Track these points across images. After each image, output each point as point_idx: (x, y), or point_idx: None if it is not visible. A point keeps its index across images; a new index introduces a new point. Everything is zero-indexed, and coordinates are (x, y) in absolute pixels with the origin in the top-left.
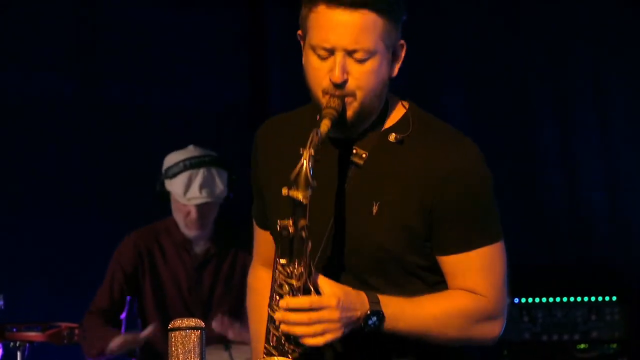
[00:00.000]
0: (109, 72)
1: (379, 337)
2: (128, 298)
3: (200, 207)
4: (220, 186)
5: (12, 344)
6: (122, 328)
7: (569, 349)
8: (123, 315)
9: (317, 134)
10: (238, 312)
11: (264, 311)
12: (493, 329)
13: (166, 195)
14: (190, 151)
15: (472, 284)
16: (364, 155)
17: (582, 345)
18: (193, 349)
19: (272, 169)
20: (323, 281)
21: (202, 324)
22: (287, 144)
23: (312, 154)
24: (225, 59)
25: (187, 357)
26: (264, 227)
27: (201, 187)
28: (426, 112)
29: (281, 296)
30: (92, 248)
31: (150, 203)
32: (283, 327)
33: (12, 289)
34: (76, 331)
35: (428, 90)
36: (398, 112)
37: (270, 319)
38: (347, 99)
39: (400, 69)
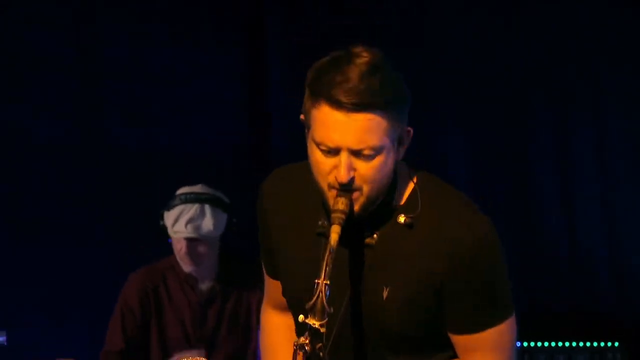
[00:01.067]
0: (110, 113)
1: None
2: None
3: (189, 242)
4: (210, 225)
5: None
6: None
7: None
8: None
9: (330, 252)
10: (242, 352)
11: (277, 352)
12: None
13: (165, 229)
14: (194, 188)
15: (482, 359)
16: (375, 236)
17: None
18: None
19: (281, 222)
20: None
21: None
22: (295, 195)
23: (328, 283)
24: (225, 98)
25: None
26: (272, 276)
27: (188, 221)
28: (435, 181)
29: None
30: (96, 285)
31: (155, 242)
32: None
33: (15, 326)
34: None
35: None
36: (407, 187)
37: None
38: (354, 195)
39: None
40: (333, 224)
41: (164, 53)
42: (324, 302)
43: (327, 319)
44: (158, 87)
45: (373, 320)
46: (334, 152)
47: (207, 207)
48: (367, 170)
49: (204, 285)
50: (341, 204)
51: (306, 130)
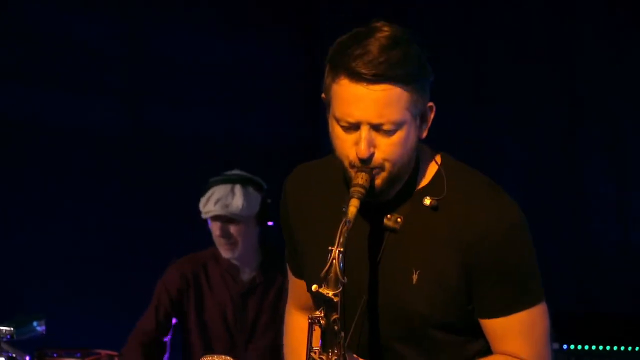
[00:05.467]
0: (163, 102)
1: None
2: (173, 321)
3: (222, 224)
4: (239, 203)
5: None
6: (167, 352)
7: None
8: (167, 338)
9: (345, 223)
10: (281, 343)
11: (300, 354)
12: None
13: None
14: (227, 172)
15: (513, 347)
16: (399, 220)
17: None
18: None
19: (305, 222)
20: None
21: None
22: (319, 195)
23: (342, 250)
24: (282, 95)
25: None
26: (297, 275)
27: (217, 201)
28: (459, 165)
29: None
30: (138, 276)
31: (198, 231)
32: None
33: (54, 314)
34: (115, 359)
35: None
36: (431, 170)
37: None
38: (375, 171)
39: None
40: (352, 197)
41: (218, 46)
42: (338, 270)
43: (340, 288)
44: (211, 80)
45: (401, 304)
46: (354, 127)
47: (237, 187)
48: (387, 146)
49: (245, 275)
50: (361, 178)
51: (327, 109)
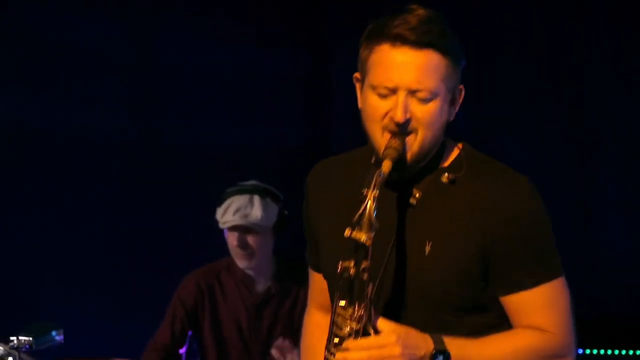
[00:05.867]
0: (169, 111)
1: None
2: (189, 333)
3: (240, 234)
4: (258, 213)
5: None
6: None
7: None
8: (183, 350)
9: (379, 174)
10: (297, 354)
11: (316, 353)
12: None
13: (219, 227)
14: (245, 182)
15: (538, 321)
16: (417, 195)
17: None
18: None
19: (325, 213)
20: (383, 322)
21: None
22: (339, 187)
23: (376, 195)
24: (286, 98)
25: None
26: (317, 269)
27: (236, 211)
28: (480, 153)
29: (340, 338)
30: (154, 285)
31: (213, 242)
32: None
33: (72, 324)
34: None
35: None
36: (452, 153)
37: None
38: (408, 139)
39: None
40: (384, 159)
41: (224, 52)
42: (372, 214)
43: (373, 233)
44: (217, 86)
45: (414, 274)
46: (391, 92)
47: (255, 197)
48: (422, 114)
49: (260, 286)
50: (394, 142)
51: (358, 86)
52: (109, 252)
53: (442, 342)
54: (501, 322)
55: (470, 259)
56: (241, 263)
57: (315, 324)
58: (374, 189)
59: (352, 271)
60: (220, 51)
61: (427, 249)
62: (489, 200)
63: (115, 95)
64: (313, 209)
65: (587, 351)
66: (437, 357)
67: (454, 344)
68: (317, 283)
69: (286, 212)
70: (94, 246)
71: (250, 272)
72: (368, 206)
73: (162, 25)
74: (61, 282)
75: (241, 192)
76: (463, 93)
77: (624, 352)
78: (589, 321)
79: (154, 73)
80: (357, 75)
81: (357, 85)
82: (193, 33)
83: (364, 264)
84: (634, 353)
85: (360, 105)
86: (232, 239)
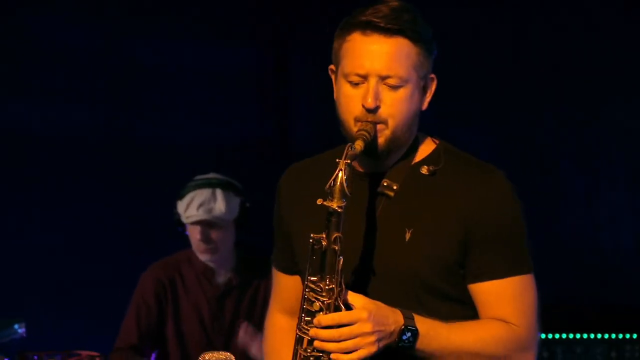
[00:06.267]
0: (134, 107)
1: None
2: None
3: (203, 228)
4: (222, 207)
5: None
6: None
7: None
8: (154, 356)
9: (351, 147)
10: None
11: (280, 354)
12: None
13: (181, 221)
14: (205, 175)
15: (504, 313)
16: (394, 187)
17: None
18: None
19: (299, 213)
20: (354, 297)
21: (233, 357)
22: (312, 188)
23: (349, 162)
24: (246, 94)
25: None
26: (286, 271)
27: (200, 205)
28: (456, 148)
29: (311, 314)
30: (115, 279)
31: (173, 236)
32: (316, 344)
33: (33, 317)
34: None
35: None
36: (428, 147)
37: (298, 340)
38: (379, 126)
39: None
40: (357, 140)
41: (185, 49)
42: (344, 182)
43: (345, 203)
44: (176, 83)
45: (393, 262)
46: (362, 80)
47: (218, 191)
48: (393, 102)
49: (221, 278)
50: (366, 125)
51: (333, 79)
52: (71, 245)
53: (412, 319)
54: (475, 315)
55: (450, 247)
56: (203, 257)
57: (279, 327)
58: (345, 158)
59: (323, 242)
60: (181, 48)
61: (407, 236)
62: (468, 192)
63: (78, 92)
64: (286, 210)
65: (550, 336)
66: (405, 333)
67: (423, 323)
68: (282, 285)
69: (248, 205)
70: (57, 240)
71: (211, 264)
72: (339, 175)
73: (125, 23)
74: (23, 276)
75: (203, 185)
76: (435, 82)
77: (578, 336)
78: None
79: (117, 70)
80: (332, 67)
81: (333, 78)
82: (154, 31)
83: (335, 234)
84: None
85: (335, 96)
86: (195, 233)
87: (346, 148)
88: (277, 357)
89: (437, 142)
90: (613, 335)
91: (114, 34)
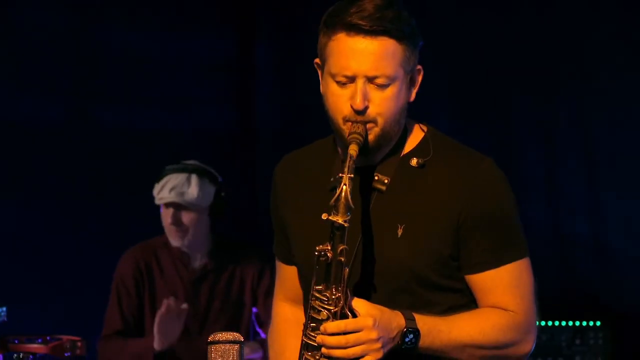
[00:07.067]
0: (98, 96)
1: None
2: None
3: (174, 211)
4: (194, 192)
5: (15, 355)
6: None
7: None
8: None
9: (350, 158)
10: (235, 329)
11: (285, 345)
12: (526, 345)
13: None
14: (185, 161)
15: (502, 300)
16: (385, 181)
17: None
18: None
19: (294, 203)
20: (359, 303)
21: (242, 338)
22: (306, 177)
23: (352, 176)
24: (214, 83)
25: None
26: (287, 261)
27: (172, 188)
28: (444, 135)
29: (317, 322)
30: (93, 263)
31: (149, 220)
32: (324, 351)
33: (14, 302)
34: (78, 344)
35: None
36: (417, 136)
37: (305, 346)
38: (369, 125)
39: None
40: (350, 143)
41: (153, 38)
42: (348, 196)
43: (349, 216)
44: (146, 72)
45: (386, 258)
46: (350, 80)
47: (193, 177)
48: (381, 100)
49: (197, 262)
50: (357, 127)
51: (320, 72)
52: (51, 230)
53: (413, 320)
54: (471, 302)
55: (443, 240)
56: (174, 241)
57: (283, 317)
58: (348, 172)
59: (329, 254)
60: (147, 36)
61: (400, 231)
62: (458, 182)
63: (46, 82)
64: (281, 200)
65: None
66: (407, 335)
67: (424, 322)
68: (285, 274)
69: (223, 194)
70: (37, 224)
71: (186, 249)
72: (344, 189)
73: (92, 12)
74: (3, 260)
75: (180, 170)
76: (422, 73)
77: (542, 323)
78: None
79: (84, 59)
80: (317, 61)
81: (319, 72)
82: (121, 19)
83: (341, 247)
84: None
85: (322, 90)
86: (166, 215)
87: (347, 161)
88: (281, 347)
89: (425, 129)
90: (577, 323)
91: (82, 22)
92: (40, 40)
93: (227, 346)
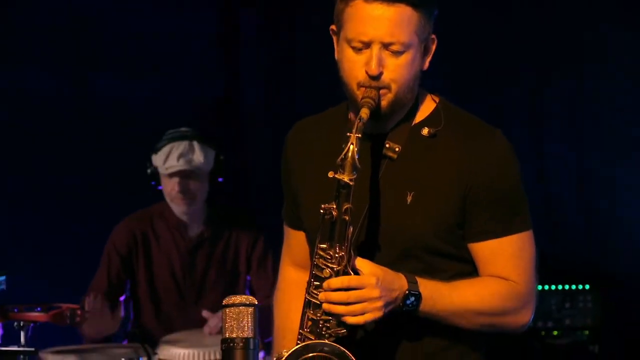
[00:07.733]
0: (92, 68)
1: (413, 323)
2: (127, 281)
3: (182, 179)
4: (200, 158)
5: (15, 324)
6: (122, 310)
7: (543, 335)
8: (122, 298)
9: (360, 119)
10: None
11: (289, 307)
12: (525, 315)
13: (156, 175)
14: (180, 129)
15: (504, 270)
16: (397, 149)
17: (556, 332)
18: (247, 325)
19: (305, 168)
20: (362, 262)
21: (255, 301)
22: (317, 143)
23: (359, 136)
24: (201, 56)
25: (241, 333)
26: (296, 227)
27: (179, 156)
28: (456, 106)
29: (320, 280)
30: (90, 233)
31: (144, 189)
32: (325, 306)
33: (13, 271)
34: (78, 312)
35: None
36: (429, 106)
37: (307, 304)
38: (382, 91)
39: None
40: (362, 107)
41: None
42: (355, 155)
43: (356, 175)
44: (138, 44)
45: (395, 224)
46: (365, 46)
47: (195, 143)
48: (395, 67)
49: (193, 231)
50: (370, 92)
51: (335, 38)
52: (49, 199)
53: (416, 283)
54: (475, 271)
55: (451, 209)
56: (180, 208)
57: (289, 280)
58: (355, 132)
59: (334, 213)
60: (138, 9)
61: (409, 199)
62: (467, 154)
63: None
64: (292, 167)
65: None
66: (409, 298)
67: (426, 286)
68: (293, 239)
69: (222, 157)
70: (35, 193)
71: (184, 218)
72: (351, 149)
73: None
74: (2, 229)
75: (180, 138)
76: (436, 42)
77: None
78: None
79: (75, 33)
80: (333, 27)
81: (334, 38)
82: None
83: (346, 205)
84: (543, 288)
85: (337, 56)
86: (172, 184)
87: (356, 121)
88: (286, 308)
89: (437, 100)
90: (567, 286)
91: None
92: (33, 14)
93: (242, 309)
